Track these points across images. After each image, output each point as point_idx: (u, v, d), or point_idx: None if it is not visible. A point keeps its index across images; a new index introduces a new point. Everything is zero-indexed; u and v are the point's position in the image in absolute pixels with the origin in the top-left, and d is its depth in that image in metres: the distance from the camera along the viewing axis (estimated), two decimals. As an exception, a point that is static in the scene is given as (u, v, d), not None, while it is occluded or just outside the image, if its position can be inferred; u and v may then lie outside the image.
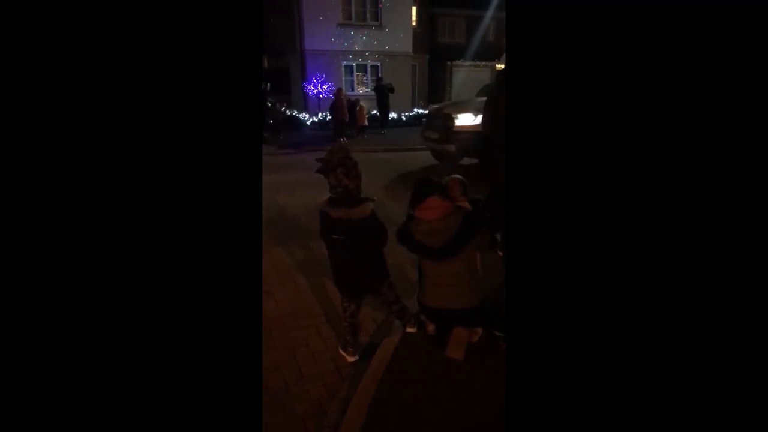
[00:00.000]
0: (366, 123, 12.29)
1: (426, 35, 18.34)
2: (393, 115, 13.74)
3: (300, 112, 14.73)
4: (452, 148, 6.50)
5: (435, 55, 18.65)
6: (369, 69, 15.71)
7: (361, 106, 12.25)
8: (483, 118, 3.05)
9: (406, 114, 15.01)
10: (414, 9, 16.24)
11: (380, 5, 15.09)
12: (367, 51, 15.30)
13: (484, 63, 18.93)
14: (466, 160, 6.61)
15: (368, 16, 15.20)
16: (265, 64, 21.16)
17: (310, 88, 14.93)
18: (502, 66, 13.89)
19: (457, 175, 2.58)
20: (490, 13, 18.88)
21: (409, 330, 2.48)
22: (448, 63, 18.76)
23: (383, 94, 12.37)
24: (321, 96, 14.65)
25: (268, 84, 15.17)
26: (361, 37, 15.13)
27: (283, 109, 13.62)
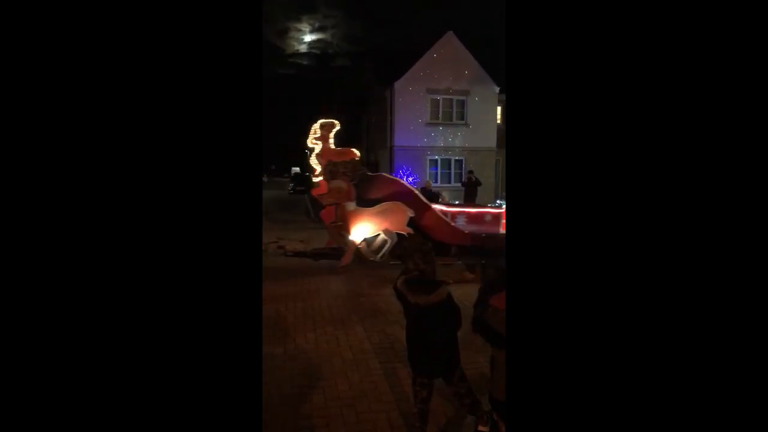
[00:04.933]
0: None
1: (510, 132, 18.98)
2: (477, 206, 14.01)
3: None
4: None
5: (519, 150, 19.06)
6: (453, 163, 16.47)
7: (443, 198, 12.70)
8: None
9: (489, 205, 15.20)
10: (499, 108, 17.14)
11: (466, 106, 16.21)
12: (452, 147, 16.20)
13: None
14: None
15: (455, 115, 16.33)
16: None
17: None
18: None
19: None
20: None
21: (481, 429, 2.39)
22: (533, 158, 18.98)
23: (472, 187, 12.79)
24: (407, 187, 15.51)
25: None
26: (448, 134, 16.15)
27: None
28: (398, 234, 5.65)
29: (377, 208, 5.85)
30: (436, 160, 16.53)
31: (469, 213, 6.45)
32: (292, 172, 30.53)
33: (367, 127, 21.17)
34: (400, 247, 2.06)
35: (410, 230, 5.82)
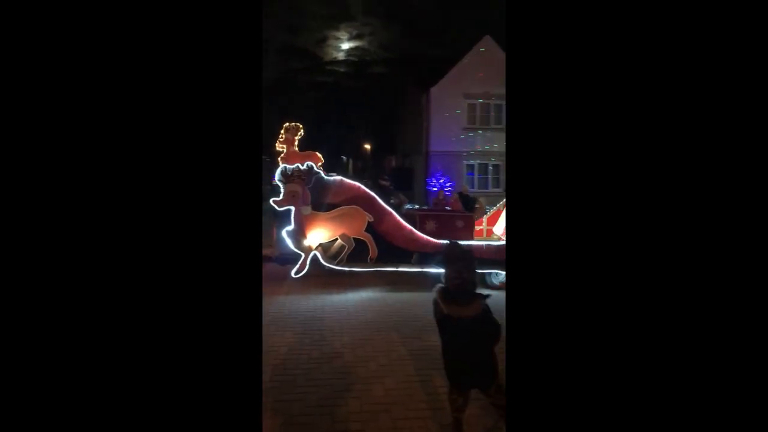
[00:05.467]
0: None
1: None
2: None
3: (421, 206, 15.60)
4: None
5: (559, 155, 18.56)
6: (490, 168, 16.21)
7: (480, 203, 12.50)
8: None
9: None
10: (538, 113, 16.76)
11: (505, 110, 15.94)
12: (490, 152, 15.96)
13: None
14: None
15: (492, 120, 16.08)
16: (393, 163, 23.24)
17: (431, 185, 15.86)
18: None
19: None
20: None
21: (519, 440, 2.33)
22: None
23: None
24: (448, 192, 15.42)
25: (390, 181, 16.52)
26: (485, 139, 15.93)
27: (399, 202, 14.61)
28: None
29: (334, 212, 5.71)
30: (473, 165, 16.33)
31: (439, 217, 6.16)
32: None
33: (403, 132, 21.22)
34: (441, 253, 2.04)
35: (368, 235, 5.67)
